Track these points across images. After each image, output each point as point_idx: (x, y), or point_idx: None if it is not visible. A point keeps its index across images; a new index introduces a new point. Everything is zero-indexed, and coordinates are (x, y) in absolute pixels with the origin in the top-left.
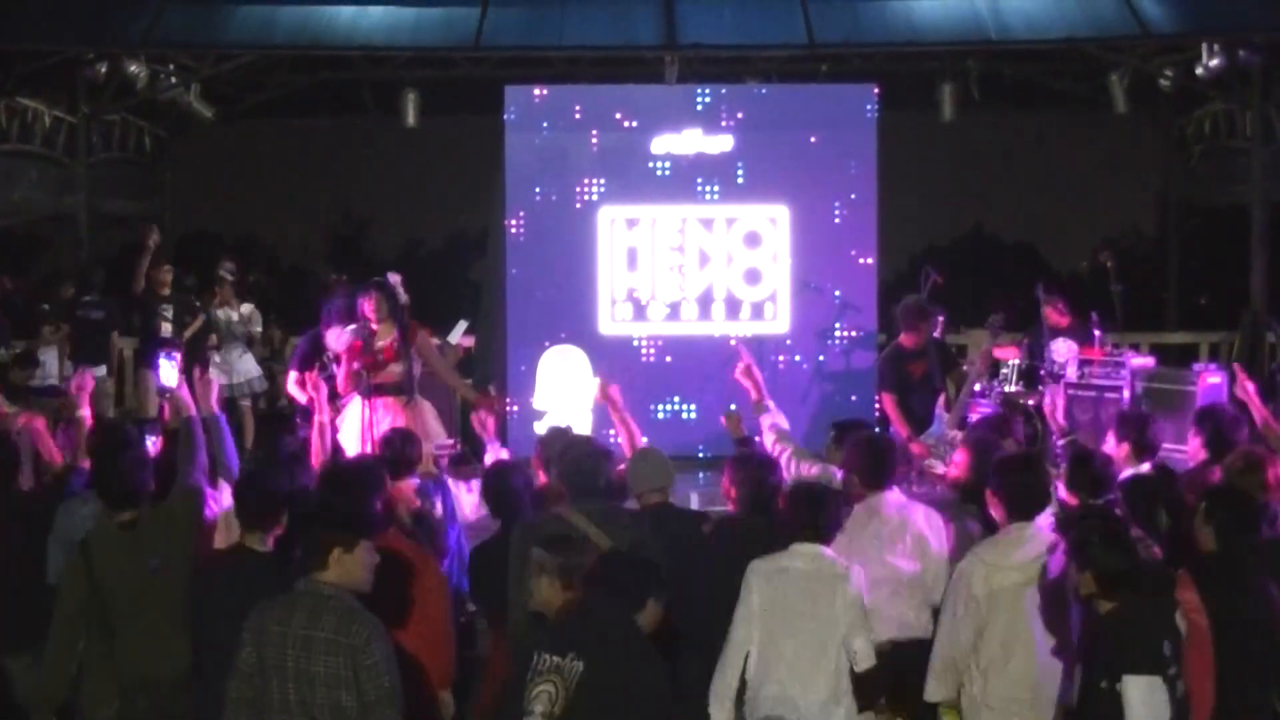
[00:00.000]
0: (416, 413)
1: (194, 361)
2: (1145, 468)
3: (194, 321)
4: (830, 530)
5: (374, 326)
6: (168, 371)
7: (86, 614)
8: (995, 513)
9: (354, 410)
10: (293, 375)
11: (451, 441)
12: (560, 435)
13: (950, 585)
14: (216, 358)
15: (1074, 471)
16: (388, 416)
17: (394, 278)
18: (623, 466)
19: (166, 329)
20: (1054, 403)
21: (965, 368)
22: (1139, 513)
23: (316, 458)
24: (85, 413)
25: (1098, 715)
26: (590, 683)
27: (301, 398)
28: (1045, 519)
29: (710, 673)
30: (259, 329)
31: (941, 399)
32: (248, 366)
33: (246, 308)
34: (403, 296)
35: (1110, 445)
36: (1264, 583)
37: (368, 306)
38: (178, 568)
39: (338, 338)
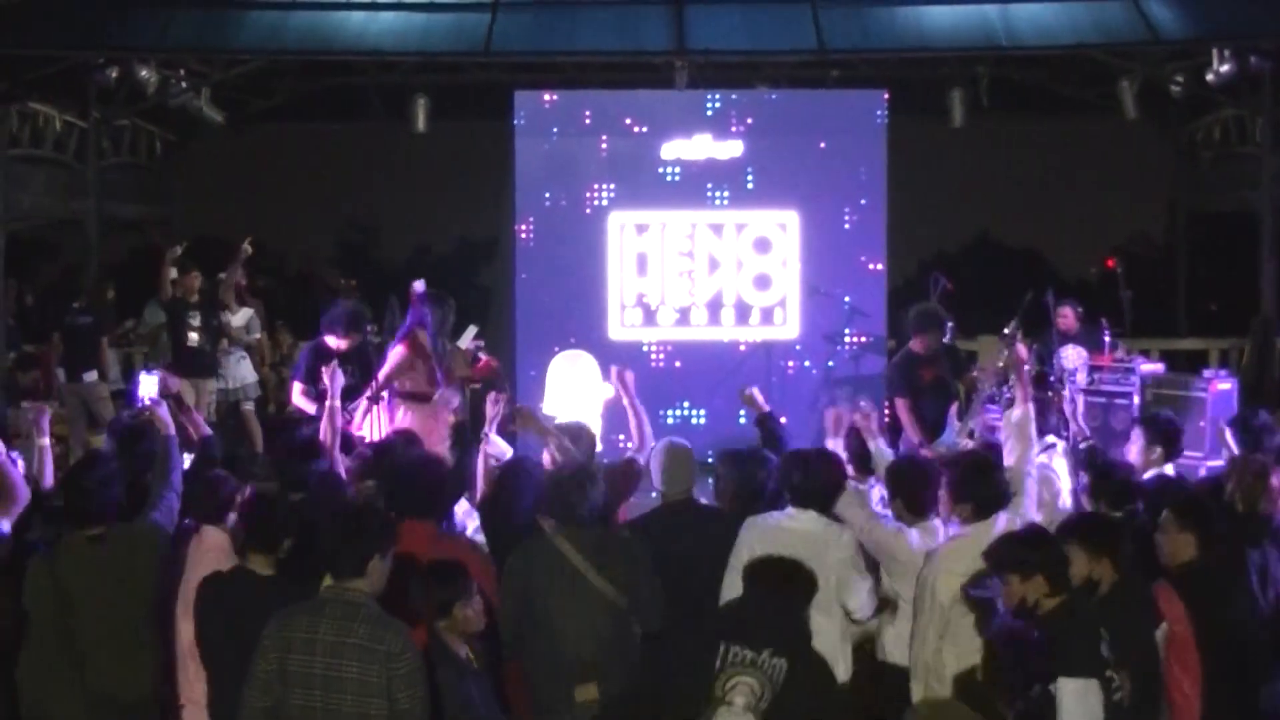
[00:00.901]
0: (437, 416)
1: (215, 365)
2: (1169, 469)
3: (220, 326)
4: (825, 497)
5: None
6: (147, 386)
7: (52, 628)
8: (944, 511)
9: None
10: (298, 387)
11: None
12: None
13: (916, 591)
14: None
15: (1097, 482)
16: (409, 418)
17: (419, 285)
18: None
19: (194, 338)
20: (1074, 404)
21: (976, 374)
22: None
23: (327, 441)
24: (44, 442)
25: (1039, 717)
26: (793, 682)
27: (309, 408)
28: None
29: None
30: (256, 335)
31: (954, 406)
32: (244, 371)
33: (245, 313)
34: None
35: (1137, 448)
36: (1247, 590)
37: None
38: (142, 589)
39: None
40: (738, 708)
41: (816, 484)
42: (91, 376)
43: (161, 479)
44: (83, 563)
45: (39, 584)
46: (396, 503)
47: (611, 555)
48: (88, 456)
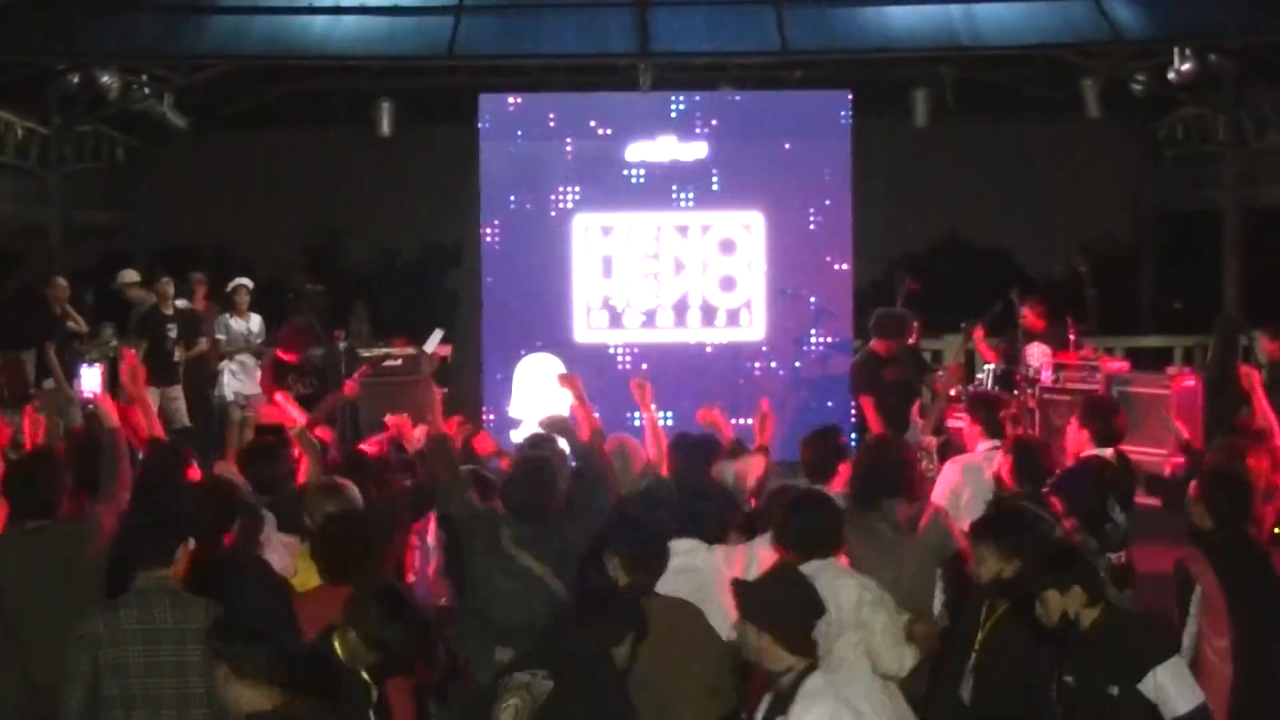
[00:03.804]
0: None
1: (197, 382)
2: (1107, 453)
3: (196, 341)
4: (714, 528)
5: None
6: (90, 380)
7: None
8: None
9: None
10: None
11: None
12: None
13: None
14: (233, 366)
15: (1018, 461)
16: None
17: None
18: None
19: (177, 352)
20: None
21: (940, 374)
22: (1077, 497)
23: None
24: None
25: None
26: (557, 697)
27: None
28: None
29: None
30: (261, 339)
31: (917, 405)
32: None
33: (256, 320)
34: None
35: (1073, 431)
36: (1267, 554)
37: None
38: (82, 582)
39: None
40: None
41: (690, 512)
42: (49, 383)
43: (110, 473)
44: (18, 555)
45: None
46: None
47: (548, 546)
48: (36, 451)
